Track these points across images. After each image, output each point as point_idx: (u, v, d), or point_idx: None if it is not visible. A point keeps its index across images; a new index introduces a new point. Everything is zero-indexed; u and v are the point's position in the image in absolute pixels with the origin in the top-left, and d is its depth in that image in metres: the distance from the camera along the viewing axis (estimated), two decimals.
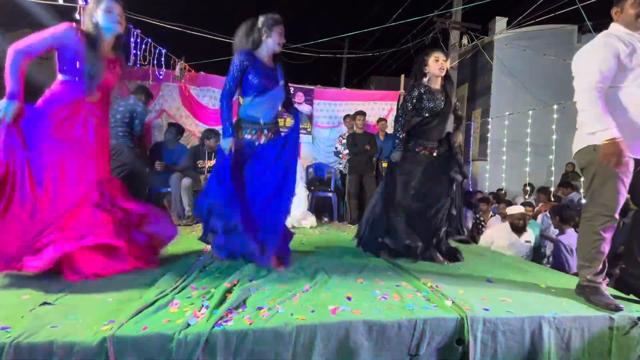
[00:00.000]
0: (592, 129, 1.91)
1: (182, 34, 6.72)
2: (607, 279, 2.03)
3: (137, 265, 2.17)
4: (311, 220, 4.68)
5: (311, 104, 6.85)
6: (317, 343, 1.48)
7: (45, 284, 1.85)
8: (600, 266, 1.96)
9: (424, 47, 9.94)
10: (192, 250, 2.84)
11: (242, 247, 2.41)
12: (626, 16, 1.97)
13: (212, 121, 6.20)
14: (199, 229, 3.99)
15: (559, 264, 3.75)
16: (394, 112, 6.82)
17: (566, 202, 5.82)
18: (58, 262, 1.93)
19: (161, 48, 5.70)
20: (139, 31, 5.50)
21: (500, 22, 10.05)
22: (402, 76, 7.08)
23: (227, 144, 2.40)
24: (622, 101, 1.93)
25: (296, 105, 6.73)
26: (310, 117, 6.84)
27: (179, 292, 1.81)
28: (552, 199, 6.61)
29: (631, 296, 2.06)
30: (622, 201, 1.92)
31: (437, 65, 2.73)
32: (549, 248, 4.43)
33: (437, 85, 2.79)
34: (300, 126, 6.81)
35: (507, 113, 9.39)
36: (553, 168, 8.14)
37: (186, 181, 4.39)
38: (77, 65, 2.01)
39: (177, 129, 4.99)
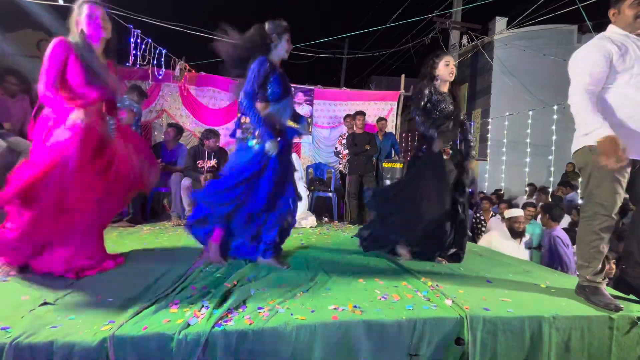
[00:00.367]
0: (586, 129, 1.93)
1: (182, 34, 6.72)
2: (607, 279, 2.03)
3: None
4: (311, 220, 4.68)
5: (311, 104, 6.85)
6: (317, 343, 1.48)
7: (45, 284, 1.85)
8: (600, 266, 1.96)
9: (427, 46, 9.96)
10: (192, 250, 2.83)
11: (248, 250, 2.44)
12: (624, 17, 1.97)
13: (212, 121, 6.21)
14: None
15: (558, 259, 3.80)
16: (394, 112, 6.83)
17: (555, 202, 5.84)
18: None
19: (161, 48, 5.71)
20: (139, 31, 5.51)
21: (500, 22, 10.05)
22: (402, 76, 7.08)
23: (273, 146, 2.34)
24: (616, 102, 1.94)
25: (296, 106, 6.77)
26: (310, 117, 6.84)
27: (179, 292, 1.81)
28: (551, 199, 6.61)
29: (631, 296, 2.06)
30: (619, 201, 1.93)
31: (447, 69, 2.72)
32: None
33: (445, 88, 2.78)
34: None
35: (507, 113, 9.39)
36: (552, 168, 8.16)
37: (186, 181, 4.39)
38: (80, 79, 2.02)
39: (177, 129, 4.99)
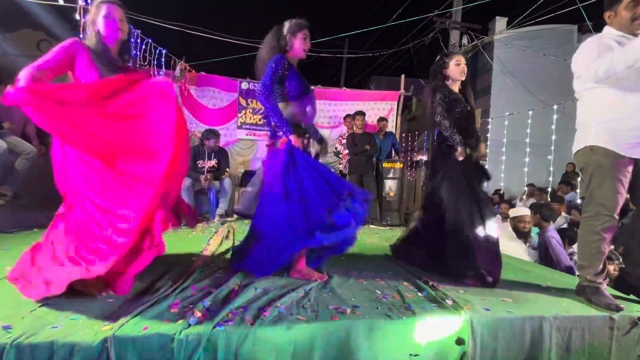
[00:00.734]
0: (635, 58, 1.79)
1: (182, 34, 6.72)
2: (607, 279, 2.03)
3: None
4: None
5: None
6: (318, 343, 1.48)
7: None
8: (601, 266, 1.96)
9: (427, 46, 9.96)
10: (192, 250, 2.83)
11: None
12: (620, 19, 1.96)
13: (212, 121, 6.21)
14: (199, 229, 3.99)
15: (556, 259, 3.75)
16: (394, 112, 6.82)
17: (544, 202, 5.81)
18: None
19: (161, 48, 5.70)
20: (139, 31, 5.50)
21: (500, 22, 10.05)
22: (402, 76, 7.08)
23: (296, 140, 2.21)
24: (618, 100, 1.93)
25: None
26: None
27: (179, 293, 1.81)
28: (551, 199, 6.61)
29: (631, 296, 2.06)
30: (621, 201, 1.93)
31: (459, 69, 2.65)
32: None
33: (456, 89, 2.71)
34: None
35: (507, 113, 9.39)
36: (552, 168, 8.16)
37: (186, 181, 4.39)
38: (93, 79, 1.93)
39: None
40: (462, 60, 2.68)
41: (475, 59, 10.77)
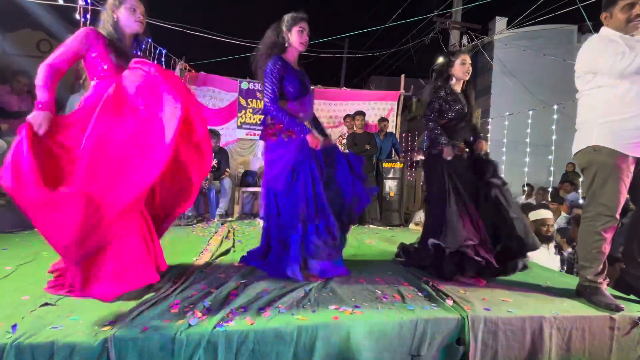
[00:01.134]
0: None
1: (182, 34, 6.72)
2: (608, 279, 2.03)
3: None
4: None
5: None
6: (318, 343, 1.48)
7: (45, 285, 1.85)
8: (601, 266, 1.96)
9: (427, 46, 9.96)
10: (192, 250, 2.83)
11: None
12: (615, 21, 1.98)
13: (212, 121, 6.20)
14: (199, 229, 3.99)
15: None
16: (394, 112, 6.82)
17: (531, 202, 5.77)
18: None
19: (161, 48, 5.70)
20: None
21: (500, 22, 10.05)
22: (402, 76, 7.08)
23: (316, 138, 2.24)
24: (620, 100, 1.93)
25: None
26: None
27: (179, 293, 1.81)
28: (552, 198, 6.61)
29: (631, 296, 2.06)
30: (622, 201, 1.93)
31: (463, 68, 2.65)
32: None
33: (458, 88, 2.72)
34: None
35: (507, 113, 9.39)
36: (553, 168, 8.15)
37: None
38: (106, 66, 1.96)
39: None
40: (468, 60, 2.68)
41: (475, 59, 10.75)
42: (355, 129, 5.47)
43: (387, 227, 5.04)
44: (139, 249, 1.81)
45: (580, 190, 6.66)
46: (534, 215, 3.61)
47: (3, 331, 1.34)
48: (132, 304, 1.63)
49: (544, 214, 3.56)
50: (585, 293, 1.97)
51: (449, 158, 2.53)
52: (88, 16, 4.26)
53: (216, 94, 6.37)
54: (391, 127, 6.61)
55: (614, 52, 1.89)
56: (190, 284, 1.96)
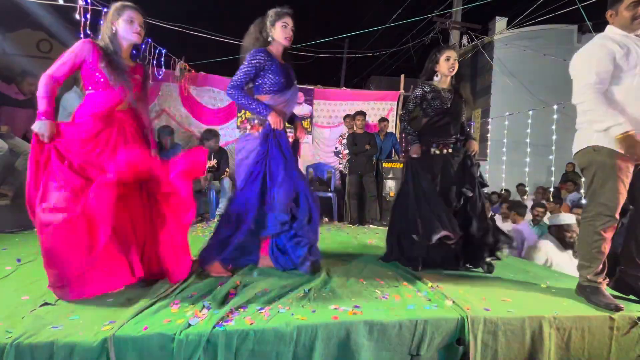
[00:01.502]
0: (605, 125, 1.90)
1: (182, 34, 6.71)
2: (608, 279, 2.03)
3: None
4: None
5: (311, 104, 6.85)
6: (318, 343, 1.48)
7: (45, 285, 1.85)
8: (601, 266, 1.97)
9: (427, 46, 9.97)
10: (191, 250, 2.83)
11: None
12: (621, 19, 1.98)
13: (212, 121, 6.21)
14: (199, 229, 4.00)
15: (520, 251, 3.92)
16: (394, 112, 6.83)
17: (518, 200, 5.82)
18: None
19: (161, 48, 5.70)
20: None
21: (500, 22, 10.05)
22: (402, 76, 7.08)
23: (275, 118, 2.25)
24: (621, 101, 1.94)
25: (296, 105, 6.78)
26: (310, 117, 6.85)
27: (179, 292, 1.81)
28: (553, 198, 6.61)
29: (631, 296, 2.06)
30: (622, 201, 1.93)
31: (447, 64, 2.63)
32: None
33: (445, 84, 2.70)
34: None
35: (507, 113, 9.39)
36: (553, 168, 8.15)
37: None
38: (99, 78, 2.03)
39: (170, 130, 4.98)
40: (453, 56, 2.65)
41: (475, 59, 10.77)
42: (355, 129, 5.48)
43: (387, 227, 5.04)
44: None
45: (582, 191, 6.66)
46: (554, 219, 3.46)
47: (3, 331, 1.34)
48: (132, 303, 1.63)
49: (567, 219, 3.36)
50: (585, 293, 1.97)
51: (415, 156, 2.66)
52: (88, 16, 4.26)
53: (216, 93, 6.37)
54: (391, 127, 6.62)
55: (587, 77, 1.93)
56: (190, 284, 1.96)
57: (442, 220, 2.44)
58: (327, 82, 11.07)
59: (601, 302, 1.86)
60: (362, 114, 5.48)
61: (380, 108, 6.91)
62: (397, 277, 2.29)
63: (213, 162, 4.79)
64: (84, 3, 4.28)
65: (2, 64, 5.15)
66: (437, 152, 2.66)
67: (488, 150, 10.24)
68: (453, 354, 1.61)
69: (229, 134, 6.33)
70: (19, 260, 2.36)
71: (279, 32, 2.31)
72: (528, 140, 8.72)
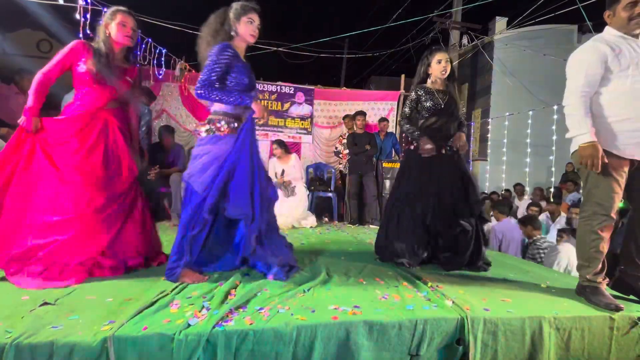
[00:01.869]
0: (573, 133, 1.99)
1: (182, 34, 6.71)
2: (607, 279, 2.03)
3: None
4: (311, 220, 4.68)
5: (311, 104, 6.85)
6: (318, 343, 1.48)
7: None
8: (600, 266, 1.97)
9: (427, 46, 9.95)
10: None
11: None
12: (618, 19, 1.98)
13: None
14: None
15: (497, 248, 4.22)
16: (394, 113, 6.83)
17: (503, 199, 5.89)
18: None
19: (161, 48, 5.70)
20: (139, 31, 5.50)
21: (500, 22, 10.05)
22: (402, 76, 7.08)
23: (260, 106, 2.17)
24: (612, 103, 1.95)
25: (296, 105, 6.78)
26: (310, 117, 6.85)
27: (179, 293, 1.81)
28: (553, 198, 6.61)
29: (631, 296, 2.06)
30: (618, 200, 1.94)
31: (439, 67, 2.64)
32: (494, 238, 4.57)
33: (439, 85, 2.71)
34: (300, 126, 6.84)
35: (507, 113, 9.39)
36: (553, 168, 8.16)
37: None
38: (87, 78, 2.12)
39: (169, 130, 4.97)
40: (444, 58, 2.65)
41: (475, 59, 10.77)
42: (355, 129, 5.48)
43: None
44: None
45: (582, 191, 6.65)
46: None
47: (3, 331, 1.34)
48: (131, 303, 1.63)
49: None
50: (585, 293, 1.97)
51: (426, 155, 2.65)
52: (88, 16, 4.26)
53: None
54: (391, 127, 6.62)
55: (575, 80, 1.98)
56: (190, 284, 1.96)
57: (409, 242, 2.59)
58: (327, 82, 11.08)
59: (601, 302, 1.86)
60: (362, 114, 5.48)
61: (381, 108, 6.91)
62: (397, 277, 2.29)
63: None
64: (84, 3, 4.28)
65: (2, 64, 5.15)
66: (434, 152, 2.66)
67: (488, 151, 10.24)
68: (453, 354, 1.61)
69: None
70: None
71: (244, 27, 2.17)
72: (528, 140, 8.73)
